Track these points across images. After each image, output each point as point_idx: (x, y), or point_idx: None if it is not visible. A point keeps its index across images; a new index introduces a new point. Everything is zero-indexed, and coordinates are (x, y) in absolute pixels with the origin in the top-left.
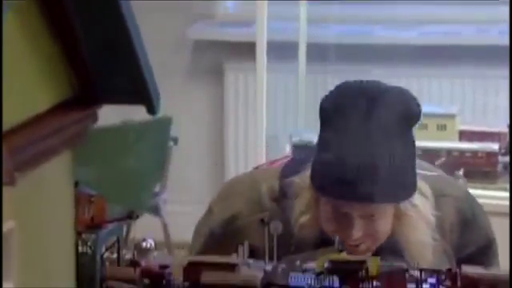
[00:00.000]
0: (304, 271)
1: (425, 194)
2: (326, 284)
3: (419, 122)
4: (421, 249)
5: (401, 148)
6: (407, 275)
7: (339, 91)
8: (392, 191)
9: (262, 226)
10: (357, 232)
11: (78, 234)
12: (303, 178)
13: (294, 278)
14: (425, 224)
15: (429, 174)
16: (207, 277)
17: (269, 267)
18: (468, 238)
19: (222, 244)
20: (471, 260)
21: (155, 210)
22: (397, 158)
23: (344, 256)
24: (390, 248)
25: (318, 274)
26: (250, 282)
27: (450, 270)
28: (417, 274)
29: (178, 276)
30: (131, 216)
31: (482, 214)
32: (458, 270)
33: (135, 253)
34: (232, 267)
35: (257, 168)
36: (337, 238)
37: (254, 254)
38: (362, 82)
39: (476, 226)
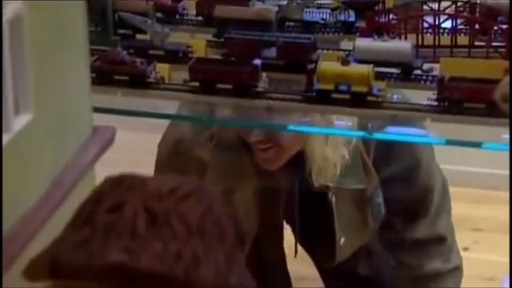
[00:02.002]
0: (319, 7)
1: None
2: (342, 18)
3: None
4: None
5: None
6: (425, 7)
7: None
8: None
9: None
10: None
11: None
12: None
13: (309, 13)
14: None
15: None
16: (221, 11)
17: (284, 2)
18: (392, 157)
19: (171, 167)
20: (398, 178)
21: None
22: None
23: None
24: None
25: (334, 9)
26: (264, 15)
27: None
28: (435, 5)
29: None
30: None
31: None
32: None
33: None
34: (246, 2)
35: None
36: None
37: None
38: None
39: (402, 148)
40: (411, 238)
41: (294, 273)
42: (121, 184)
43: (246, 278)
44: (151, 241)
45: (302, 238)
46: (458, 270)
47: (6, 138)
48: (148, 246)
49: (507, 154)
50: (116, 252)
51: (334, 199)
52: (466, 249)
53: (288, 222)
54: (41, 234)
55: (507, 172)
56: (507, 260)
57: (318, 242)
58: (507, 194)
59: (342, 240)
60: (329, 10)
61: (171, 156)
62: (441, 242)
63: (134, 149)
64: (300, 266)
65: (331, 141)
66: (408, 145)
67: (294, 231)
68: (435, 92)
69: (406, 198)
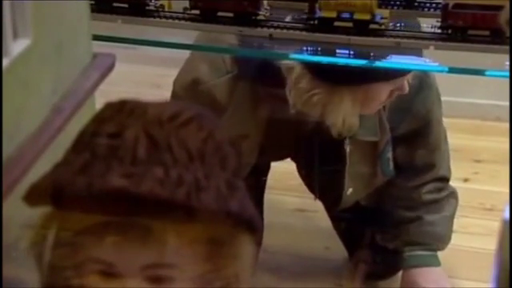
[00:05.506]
0: None
1: None
2: None
3: None
4: None
5: None
6: None
7: None
8: None
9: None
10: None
11: None
12: None
13: None
14: None
15: None
16: None
17: None
18: (405, 117)
19: None
20: (408, 138)
21: None
22: None
23: None
24: None
25: None
26: None
27: None
28: None
29: None
30: None
31: (425, 95)
32: None
33: None
34: None
35: None
36: None
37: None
38: None
39: (416, 104)
40: (413, 185)
41: (291, 205)
42: (121, 109)
43: (247, 205)
44: (152, 166)
45: (309, 182)
46: (452, 195)
47: (5, 61)
48: (149, 172)
49: (508, 85)
50: (117, 177)
51: (348, 149)
52: (466, 180)
53: (296, 161)
54: (41, 160)
55: (507, 103)
56: (507, 191)
57: (325, 190)
58: (507, 125)
59: (350, 190)
60: None
61: (188, 94)
62: (439, 180)
63: (135, 82)
64: (296, 198)
65: None
66: (421, 104)
67: (299, 171)
68: (439, 19)
69: (416, 156)
